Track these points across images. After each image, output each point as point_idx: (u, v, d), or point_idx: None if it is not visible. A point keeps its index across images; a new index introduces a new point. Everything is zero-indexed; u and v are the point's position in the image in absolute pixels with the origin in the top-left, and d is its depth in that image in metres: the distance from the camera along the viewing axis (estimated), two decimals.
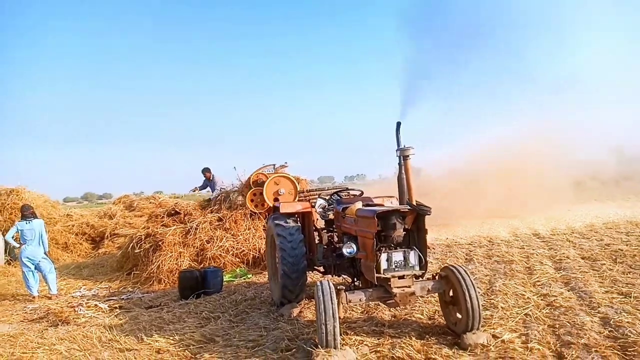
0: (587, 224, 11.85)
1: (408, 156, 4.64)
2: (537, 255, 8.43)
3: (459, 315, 4.64)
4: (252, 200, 9.68)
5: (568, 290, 5.96)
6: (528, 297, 5.74)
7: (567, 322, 4.76)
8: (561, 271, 7.04)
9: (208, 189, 12.48)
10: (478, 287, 6.32)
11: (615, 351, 3.99)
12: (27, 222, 8.38)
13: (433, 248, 9.94)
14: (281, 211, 6.17)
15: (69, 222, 15.83)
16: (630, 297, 5.41)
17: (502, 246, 9.68)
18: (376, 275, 4.45)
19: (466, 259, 8.82)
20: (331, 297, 4.26)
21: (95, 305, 7.26)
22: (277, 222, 6.08)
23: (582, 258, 7.88)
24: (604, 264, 7.20)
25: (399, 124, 5.26)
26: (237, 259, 9.12)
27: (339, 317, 4.36)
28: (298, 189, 8.47)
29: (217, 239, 9.16)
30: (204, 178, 12.30)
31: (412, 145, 4.81)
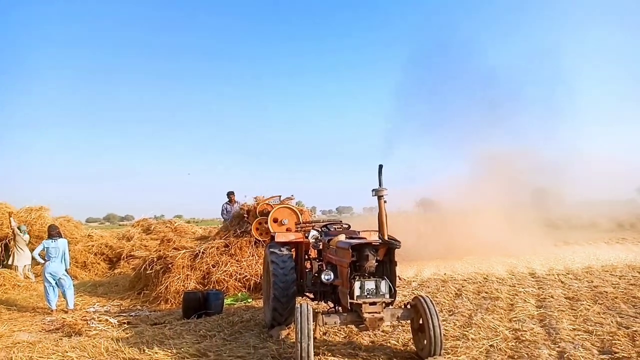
0: (586, 266, 12.08)
1: (382, 196, 5.24)
2: (524, 293, 8.79)
3: (425, 342, 5.13)
4: (257, 229, 10.38)
5: (540, 327, 6.36)
6: (499, 331, 6.16)
7: (526, 354, 5.19)
8: (541, 309, 7.42)
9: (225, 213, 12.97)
10: (456, 320, 6.82)
11: None
12: (53, 240, 9.19)
13: (402, 279, 10.60)
14: (276, 240, 6.82)
15: (90, 242, 16.75)
16: (593, 334, 5.81)
17: (494, 283, 10.05)
18: (349, 301, 5.02)
19: (456, 294, 9.21)
20: (308, 318, 4.82)
21: (106, 320, 7.92)
22: (272, 250, 6.71)
23: (566, 298, 8.22)
24: (584, 304, 7.54)
25: (380, 166, 5.90)
26: (240, 284, 9.70)
27: (315, 338, 4.92)
28: (300, 220, 9.11)
29: (222, 264, 9.80)
30: (228, 200, 12.82)
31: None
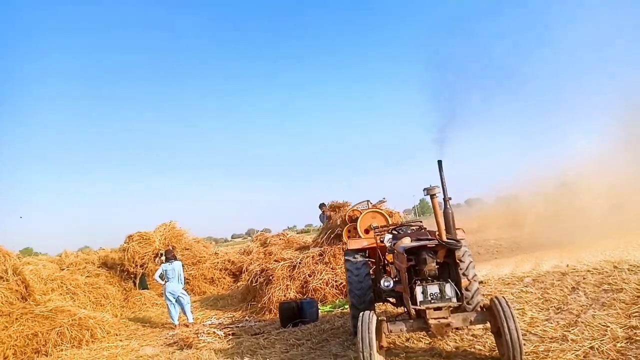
0: None
1: (434, 195, 4.89)
2: None
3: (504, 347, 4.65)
4: (348, 235, 10.42)
5: None
6: (610, 330, 5.30)
7: (634, 357, 4.40)
8: None
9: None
10: (561, 318, 6.06)
11: None
12: (170, 263, 10.36)
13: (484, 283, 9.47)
14: (349, 247, 6.79)
15: (215, 259, 18.43)
16: None
17: (623, 273, 8.64)
18: (412, 307, 4.78)
19: (573, 287, 8.14)
20: (369, 327, 4.70)
21: (214, 332, 8.65)
22: (347, 257, 6.70)
23: None
24: None
25: (439, 162, 5.53)
26: (337, 291, 9.82)
27: (382, 346, 4.78)
28: (389, 223, 8.93)
29: (318, 273, 10.03)
30: (321, 212, 13.58)
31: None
